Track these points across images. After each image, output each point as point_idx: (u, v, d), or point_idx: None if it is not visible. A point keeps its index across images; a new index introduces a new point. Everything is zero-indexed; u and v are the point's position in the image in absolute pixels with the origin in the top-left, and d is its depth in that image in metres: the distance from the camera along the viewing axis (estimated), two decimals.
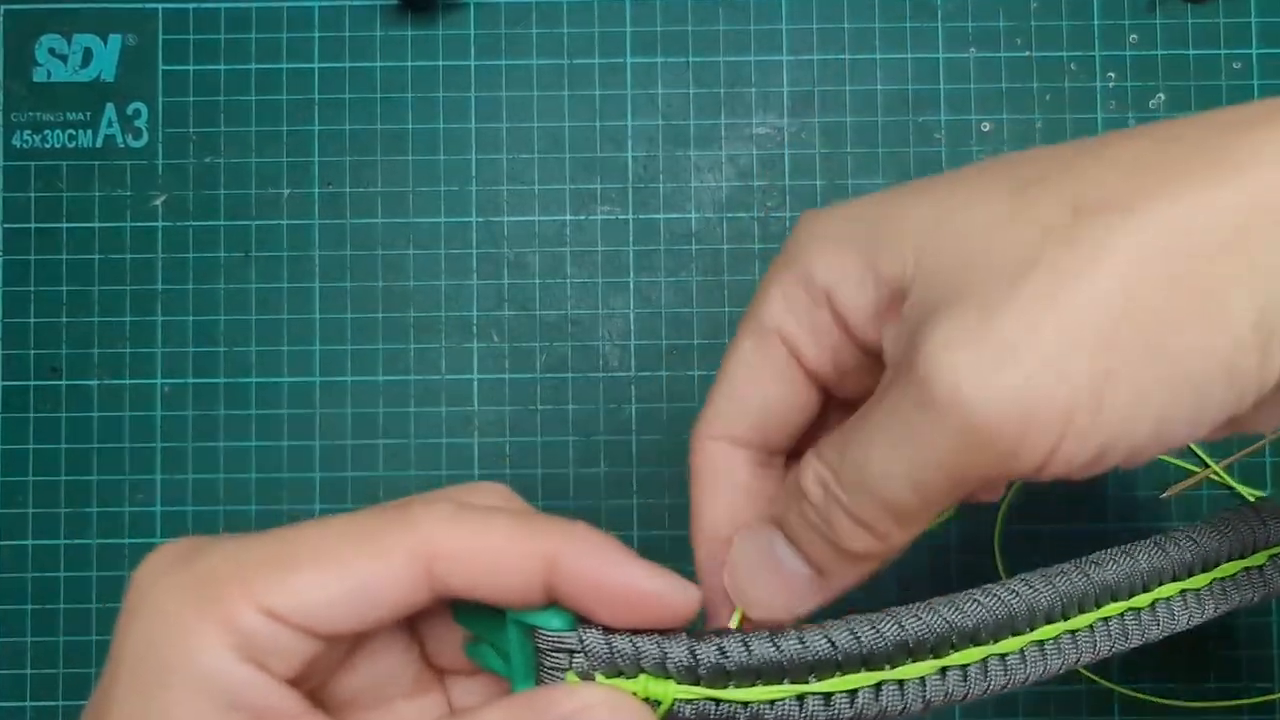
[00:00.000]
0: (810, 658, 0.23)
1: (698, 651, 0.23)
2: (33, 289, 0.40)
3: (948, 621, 0.23)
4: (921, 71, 0.40)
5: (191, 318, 0.39)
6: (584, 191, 0.40)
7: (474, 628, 0.25)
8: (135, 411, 0.39)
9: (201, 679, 0.21)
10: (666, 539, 0.39)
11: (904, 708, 0.23)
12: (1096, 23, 0.40)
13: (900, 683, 0.23)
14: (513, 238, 0.40)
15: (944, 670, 0.23)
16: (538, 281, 0.40)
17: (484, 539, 0.22)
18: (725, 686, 0.23)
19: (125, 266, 0.40)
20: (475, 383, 0.39)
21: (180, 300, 0.40)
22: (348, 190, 0.40)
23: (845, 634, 0.23)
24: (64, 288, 0.40)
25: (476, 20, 0.40)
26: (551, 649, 0.23)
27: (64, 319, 0.40)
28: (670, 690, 0.23)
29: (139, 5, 0.40)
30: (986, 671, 0.24)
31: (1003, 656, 0.24)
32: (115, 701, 0.21)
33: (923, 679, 0.23)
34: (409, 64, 0.40)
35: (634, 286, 0.40)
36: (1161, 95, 0.40)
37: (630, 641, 0.23)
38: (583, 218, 0.40)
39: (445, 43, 0.40)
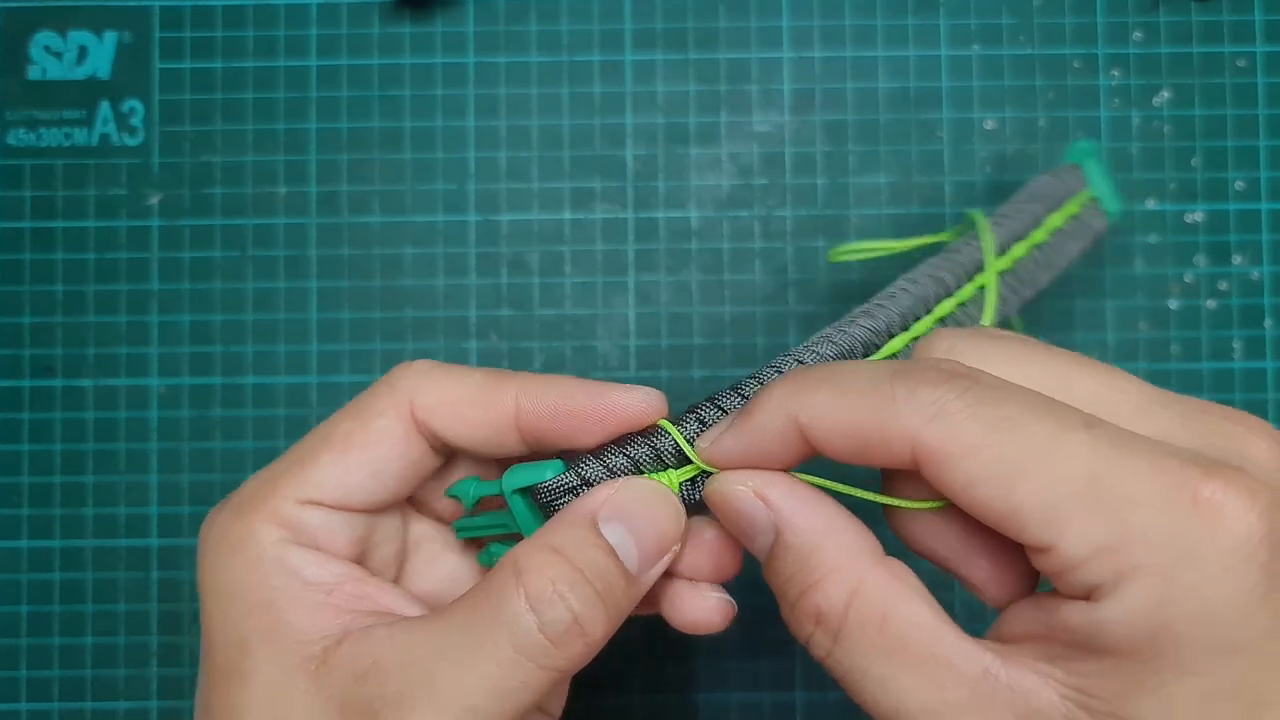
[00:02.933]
0: None
1: (683, 431, 0.25)
2: (27, 288, 0.39)
3: (865, 327, 0.26)
4: (924, 69, 0.40)
5: (187, 317, 0.39)
6: (583, 190, 0.40)
7: (480, 533, 0.27)
8: (131, 412, 0.39)
9: (273, 561, 0.24)
10: None
11: None
12: (1100, 20, 0.40)
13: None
14: (511, 236, 0.40)
15: None
16: (536, 280, 0.39)
17: (456, 389, 0.25)
18: None
19: (120, 265, 0.39)
20: None
21: (176, 300, 0.39)
22: (345, 189, 0.40)
23: (793, 364, 0.25)
24: (59, 287, 0.39)
25: (475, 17, 0.40)
26: (554, 495, 0.25)
27: (59, 318, 0.39)
28: (673, 477, 0.25)
29: (135, 2, 0.40)
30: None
31: (918, 338, 0.27)
32: (208, 624, 0.24)
33: None
34: (407, 61, 0.40)
35: (634, 286, 0.39)
36: (1165, 93, 0.40)
37: (621, 452, 0.25)
38: (582, 216, 0.40)
39: (443, 40, 0.40)
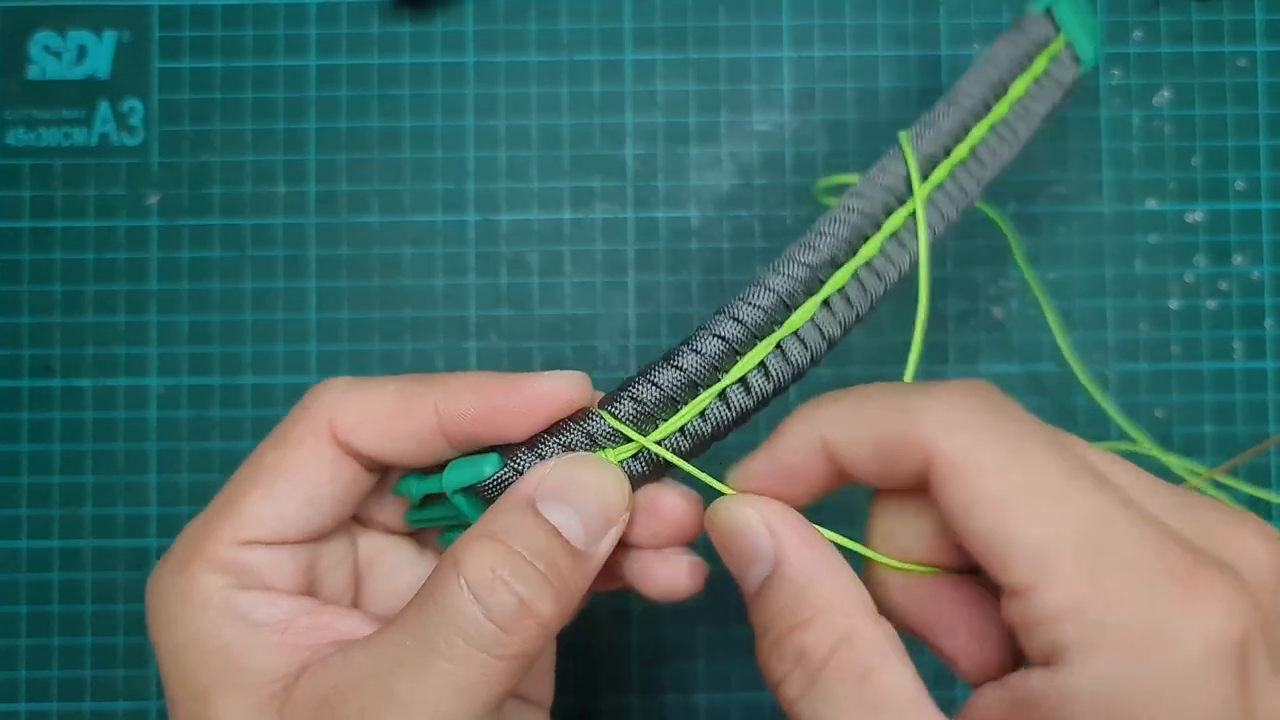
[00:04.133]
0: (711, 360, 0.24)
1: (616, 411, 0.24)
2: (26, 288, 0.39)
3: (805, 264, 0.25)
4: (924, 68, 0.40)
5: (186, 317, 0.39)
6: (583, 189, 0.40)
7: (433, 524, 0.27)
8: (130, 412, 0.39)
9: (220, 608, 0.23)
10: None
11: (812, 357, 0.25)
12: (1100, 19, 0.40)
13: (796, 334, 0.25)
14: (511, 236, 0.39)
15: (826, 302, 0.25)
16: (536, 280, 0.39)
17: (374, 404, 0.25)
18: (655, 426, 0.24)
19: (119, 265, 0.39)
20: None
21: (175, 300, 0.39)
22: (344, 188, 0.39)
23: (729, 322, 0.25)
24: (58, 287, 0.39)
25: (474, 16, 0.40)
26: (495, 490, 0.24)
27: (58, 318, 0.39)
28: (610, 456, 0.24)
29: (134, 2, 0.40)
30: (862, 285, 0.25)
31: (869, 264, 0.25)
32: (171, 679, 0.23)
33: (812, 319, 0.25)
34: (406, 61, 0.40)
35: (634, 286, 0.39)
36: (1166, 92, 0.40)
37: (554, 440, 0.24)
38: (581, 216, 0.40)
39: (443, 39, 0.40)
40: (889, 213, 0.26)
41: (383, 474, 0.27)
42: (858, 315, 0.25)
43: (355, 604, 0.27)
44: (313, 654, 0.23)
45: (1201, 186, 0.39)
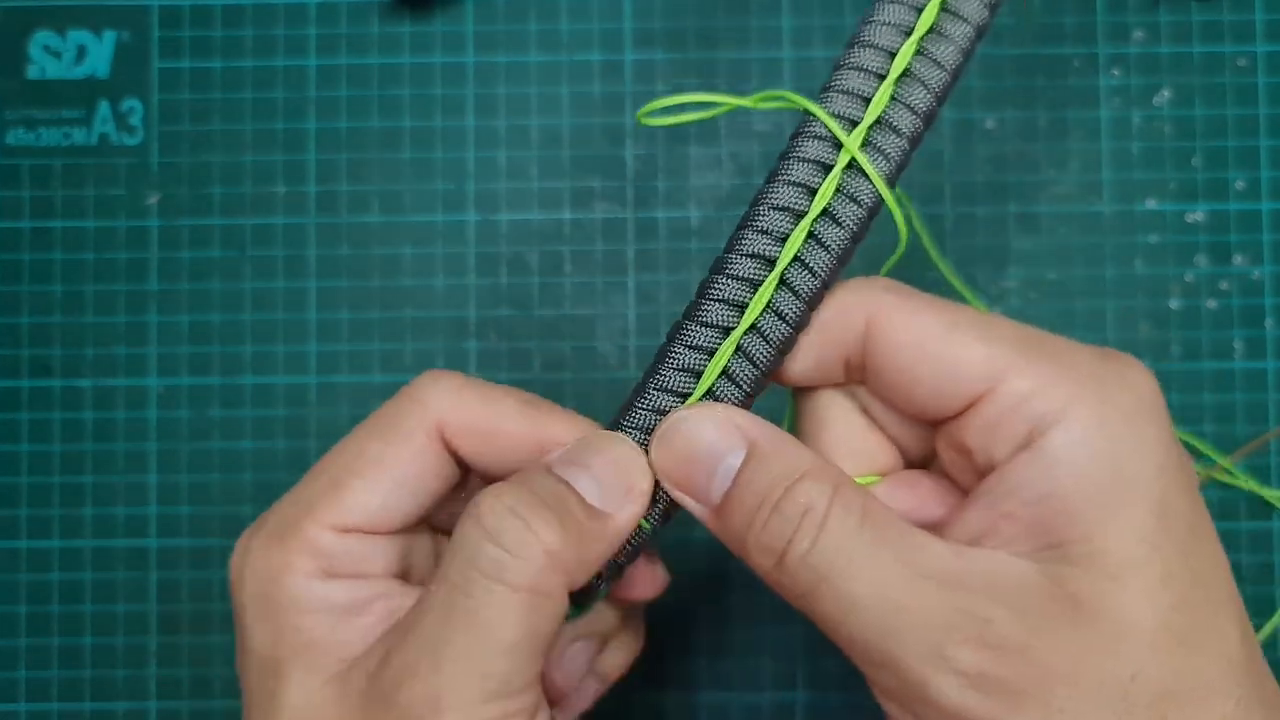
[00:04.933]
0: (702, 349, 0.24)
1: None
2: (26, 288, 0.39)
3: (747, 254, 0.24)
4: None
5: (186, 317, 0.39)
6: (583, 189, 0.40)
7: None
8: (129, 412, 0.39)
9: (307, 589, 0.24)
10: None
11: (783, 337, 0.24)
12: (1100, 19, 0.40)
13: (754, 328, 0.24)
14: (510, 236, 0.39)
15: (782, 281, 0.24)
16: (536, 280, 0.39)
17: (492, 416, 0.25)
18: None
19: (119, 265, 0.39)
20: None
21: (175, 300, 0.39)
22: (344, 188, 0.39)
23: (698, 330, 0.24)
24: (58, 287, 0.39)
25: (474, 16, 0.40)
26: None
27: (57, 318, 0.39)
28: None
29: (134, 2, 0.40)
30: (821, 246, 0.24)
31: (813, 233, 0.24)
32: (246, 648, 0.24)
33: (768, 305, 0.24)
34: (406, 61, 0.40)
35: (634, 285, 0.39)
36: (1166, 92, 0.40)
37: None
38: (581, 216, 0.40)
39: (443, 39, 0.40)
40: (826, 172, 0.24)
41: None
42: (824, 282, 0.24)
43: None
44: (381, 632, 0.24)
45: (1201, 186, 0.39)
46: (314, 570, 0.24)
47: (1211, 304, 0.39)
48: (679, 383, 0.24)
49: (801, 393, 0.27)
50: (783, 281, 0.24)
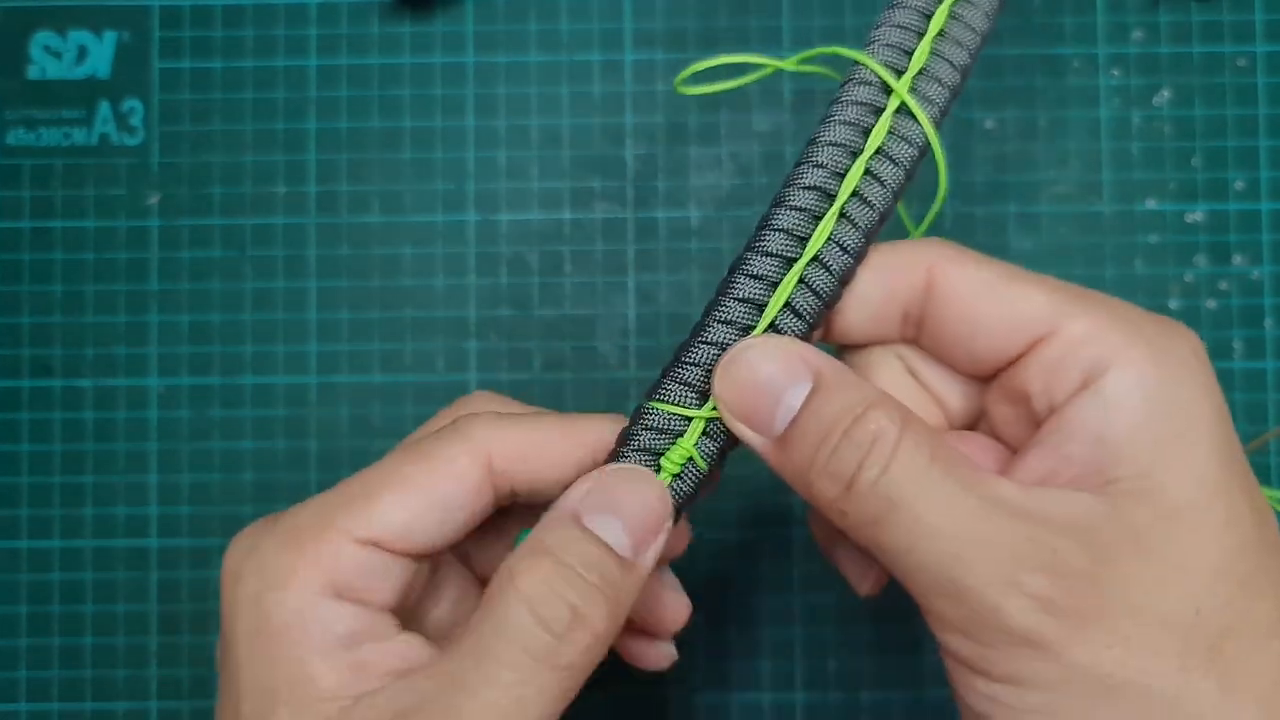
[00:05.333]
0: (745, 305, 0.25)
1: (664, 395, 0.25)
2: (26, 288, 0.39)
3: (807, 186, 0.25)
4: None
5: (186, 317, 0.39)
6: (583, 189, 0.40)
7: None
8: (130, 412, 0.39)
9: (310, 609, 0.23)
10: None
11: (837, 281, 0.25)
12: (1100, 19, 0.40)
13: (817, 259, 0.25)
14: (511, 236, 0.39)
15: (843, 213, 0.25)
16: (536, 280, 0.39)
17: (534, 434, 0.26)
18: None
19: (119, 265, 0.39)
20: (473, 383, 0.39)
21: (175, 300, 0.39)
22: (344, 188, 0.40)
23: (718, 330, 0.24)
24: (58, 287, 0.39)
25: (474, 17, 0.40)
26: None
27: (58, 318, 0.39)
28: (664, 477, 0.25)
29: (134, 2, 0.40)
30: (878, 182, 0.25)
31: (869, 170, 0.25)
32: (238, 652, 0.23)
33: (830, 237, 0.24)
34: (406, 61, 0.40)
35: (634, 286, 0.39)
36: (1166, 92, 0.40)
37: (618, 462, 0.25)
38: (582, 216, 0.40)
39: (443, 39, 0.40)
40: (876, 115, 0.25)
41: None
42: (881, 215, 0.25)
43: (423, 621, 0.28)
44: (370, 681, 0.23)
45: (1201, 186, 0.39)
46: (321, 586, 0.24)
47: (1211, 304, 0.39)
48: (740, 314, 0.24)
49: (849, 352, 0.27)
50: (842, 214, 0.25)
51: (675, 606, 0.28)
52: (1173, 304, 0.39)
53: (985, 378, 0.25)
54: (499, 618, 0.22)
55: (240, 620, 0.24)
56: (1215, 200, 0.39)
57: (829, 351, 0.26)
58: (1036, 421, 0.23)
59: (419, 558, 0.25)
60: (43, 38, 0.40)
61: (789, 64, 0.27)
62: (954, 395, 0.26)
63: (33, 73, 0.40)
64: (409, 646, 0.25)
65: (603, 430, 0.26)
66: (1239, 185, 0.39)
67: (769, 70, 0.28)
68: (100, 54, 0.40)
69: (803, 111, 0.40)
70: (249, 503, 0.39)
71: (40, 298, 0.39)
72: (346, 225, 0.39)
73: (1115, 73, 0.40)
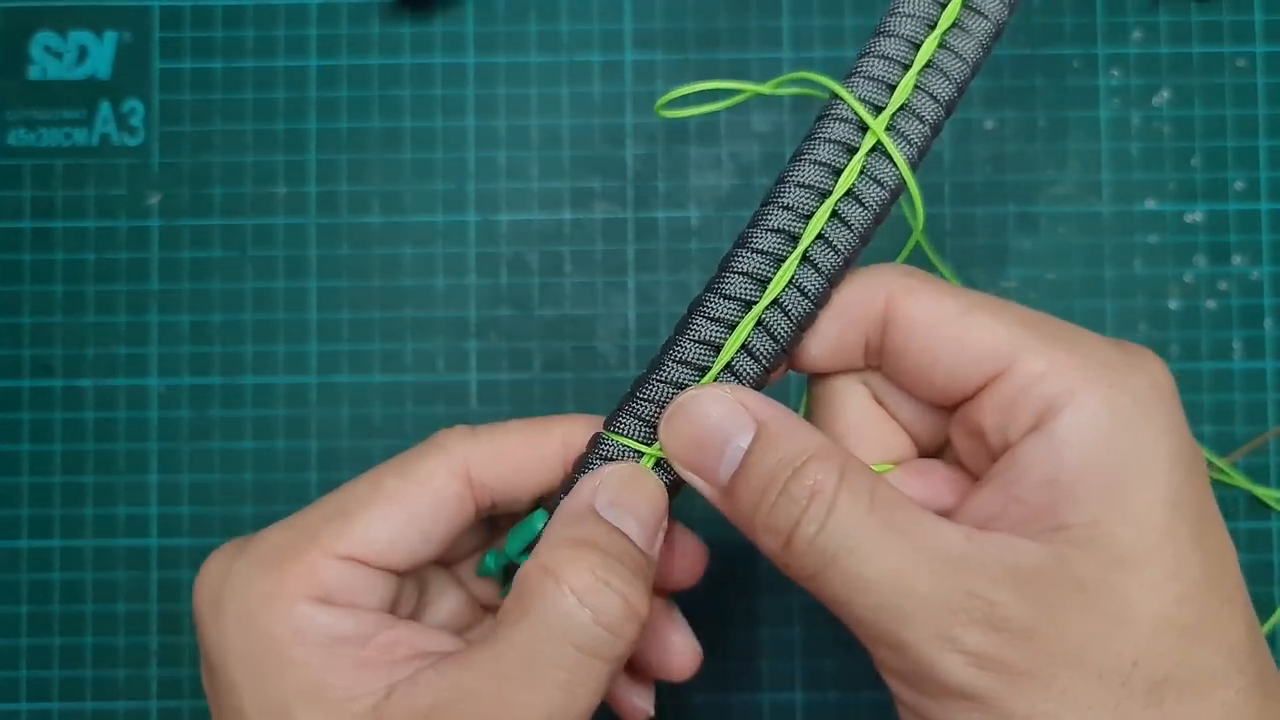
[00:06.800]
0: (711, 340, 0.25)
1: (619, 428, 0.25)
2: (27, 288, 0.39)
3: (771, 229, 0.24)
4: None
5: (187, 317, 0.39)
6: (583, 190, 0.40)
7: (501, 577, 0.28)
8: (130, 412, 0.39)
9: (305, 619, 0.23)
10: None
11: (797, 321, 0.24)
12: (1100, 20, 0.40)
13: (776, 304, 0.24)
14: (511, 236, 0.40)
15: (806, 257, 0.24)
16: (536, 280, 0.39)
17: (504, 440, 0.26)
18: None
19: (120, 266, 0.39)
20: (473, 383, 0.39)
21: (175, 300, 0.39)
22: (344, 189, 0.40)
23: (704, 328, 0.24)
24: (58, 287, 0.39)
25: (474, 17, 0.40)
26: None
27: (58, 319, 0.39)
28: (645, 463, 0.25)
29: (135, 2, 0.40)
30: (844, 224, 0.24)
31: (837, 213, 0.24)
32: (237, 682, 0.23)
33: (791, 281, 0.24)
34: (406, 61, 0.40)
35: (634, 286, 0.39)
36: (1165, 93, 0.40)
37: (582, 473, 0.25)
38: (582, 216, 0.40)
39: (443, 40, 0.40)
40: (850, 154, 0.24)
41: (476, 523, 0.27)
42: (846, 260, 0.24)
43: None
44: (395, 670, 0.23)
45: (1201, 187, 0.39)
46: (310, 597, 0.23)
47: (1210, 304, 0.39)
48: (697, 355, 0.24)
49: (816, 380, 0.27)
50: (805, 258, 0.24)
51: (684, 650, 0.28)
52: (1172, 304, 0.39)
53: (949, 408, 0.25)
54: (547, 614, 0.22)
55: (230, 643, 0.23)
56: (1215, 200, 0.39)
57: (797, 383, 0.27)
58: (994, 456, 0.23)
59: (402, 573, 0.25)
60: (43, 38, 0.40)
61: (767, 88, 0.27)
62: (921, 423, 0.26)
63: (33, 73, 0.40)
64: (420, 633, 0.25)
65: (573, 430, 0.26)
66: (1239, 185, 0.39)
67: (747, 95, 0.27)
68: (101, 54, 0.40)
69: (803, 112, 0.40)
70: (249, 503, 0.39)
71: (41, 298, 0.39)
72: (347, 225, 0.39)
73: (1115, 73, 0.40)
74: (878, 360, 0.25)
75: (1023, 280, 0.39)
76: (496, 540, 0.29)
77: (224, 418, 0.39)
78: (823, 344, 0.25)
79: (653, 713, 0.29)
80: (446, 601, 0.29)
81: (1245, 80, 0.40)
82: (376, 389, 0.39)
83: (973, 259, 0.39)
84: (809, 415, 0.27)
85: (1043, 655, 0.20)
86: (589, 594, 0.22)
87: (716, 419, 0.23)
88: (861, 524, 0.21)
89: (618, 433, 0.25)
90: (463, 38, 0.40)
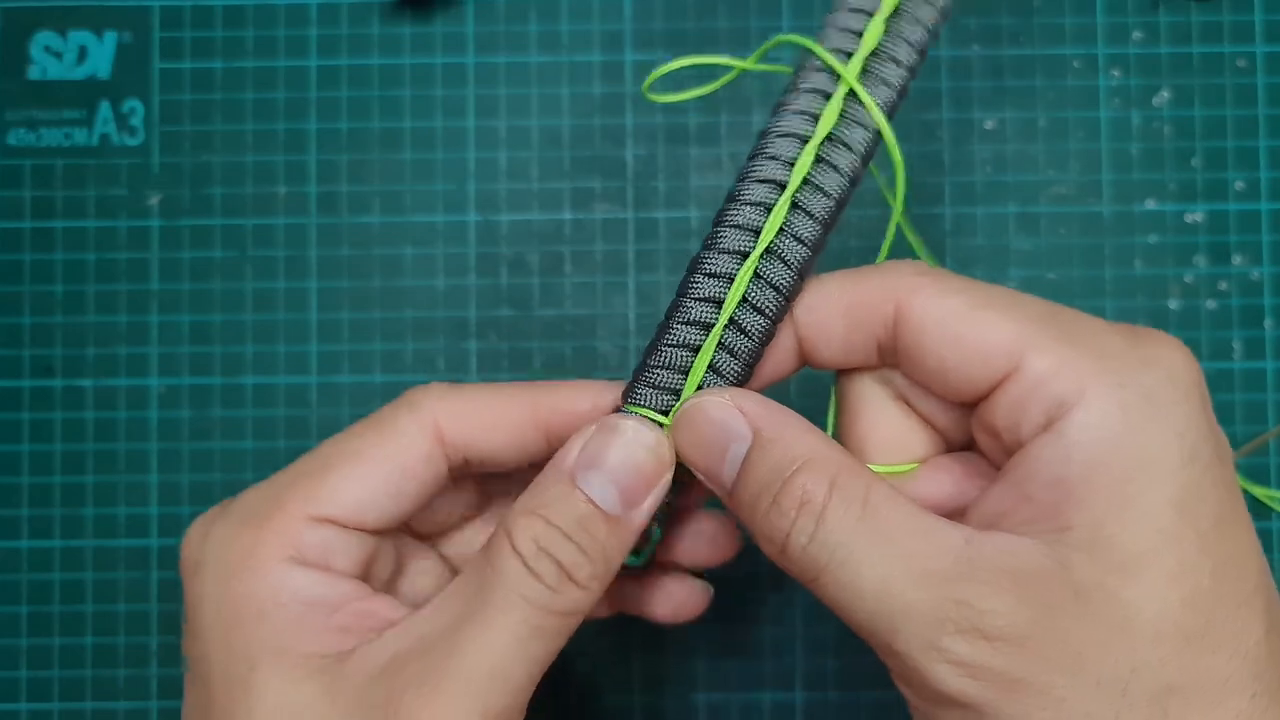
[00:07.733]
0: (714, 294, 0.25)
1: (636, 398, 0.25)
2: (27, 288, 0.39)
3: (759, 180, 0.25)
4: (924, 69, 0.40)
5: (187, 317, 0.39)
6: (583, 190, 0.40)
7: None
8: (130, 412, 0.39)
9: (278, 579, 0.23)
10: None
11: (798, 269, 0.25)
12: (1100, 20, 0.40)
13: (770, 252, 0.25)
14: (511, 237, 0.40)
15: (795, 204, 0.25)
16: (536, 281, 0.39)
17: (476, 397, 0.26)
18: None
19: (120, 266, 0.39)
20: (474, 383, 0.39)
21: (175, 300, 0.39)
22: (344, 189, 0.40)
23: (718, 256, 0.25)
24: (59, 287, 0.39)
25: (475, 17, 0.40)
26: None
27: (59, 318, 0.39)
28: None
29: (135, 2, 0.40)
30: (832, 169, 0.25)
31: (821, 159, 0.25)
32: (207, 639, 0.24)
33: (784, 228, 0.25)
34: (406, 61, 0.40)
35: (634, 286, 0.39)
36: (1165, 93, 0.40)
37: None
38: (582, 216, 0.40)
39: (443, 40, 0.40)
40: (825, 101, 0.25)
41: (451, 482, 0.28)
42: (838, 204, 0.25)
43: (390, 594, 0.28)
44: (361, 637, 0.23)
45: (1201, 187, 0.39)
46: (285, 556, 0.24)
47: (1211, 304, 0.39)
48: (700, 314, 0.25)
49: (841, 379, 0.27)
50: (795, 205, 0.25)
51: (720, 535, 0.29)
52: (1172, 304, 0.39)
53: (968, 405, 0.24)
54: (500, 568, 0.23)
55: (207, 605, 0.24)
56: (1215, 201, 0.39)
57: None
58: (1011, 454, 0.23)
59: (376, 532, 0.26)
60: (43, 38, 0.40)
61: (749, 63, 0.27)
62: (944, 418, 0.26)
63: (33, 73, 0.40)
64: (393, 608, 0.25)
65: (547, 392, 0.26)
66: (1239, 185, 0.39)
67: (735, 73, 0.28)
68: (101, 54, 0.40)
69: None
70: None
71: (41, 298, 0.39)
72: (347, 226, 0.39)
73: (1115, 73, 0.40)
74: (894, 359, 0.25)
75: (1023, 280, 0.39)
76: (485, 510, 0.30)
77: (224, 418, 0.39)
78: (831, 346, 0.25)
79: (711, 591, 0.30)
80: (426, 578, 0.29)
81: (1245, 80, 0.40)
82: (377, 389, 0.39)
83: (973, 259, 0.39)
84: (837, 413, 0.27)
85: (1038, 662, 0.20)
86: (529, 557, 0.23)
87: (718, 423, 0.24)
88: (851, 533, 0.21)
89: (635, 403, 0.25)
90: (463, 38, 0.40)
